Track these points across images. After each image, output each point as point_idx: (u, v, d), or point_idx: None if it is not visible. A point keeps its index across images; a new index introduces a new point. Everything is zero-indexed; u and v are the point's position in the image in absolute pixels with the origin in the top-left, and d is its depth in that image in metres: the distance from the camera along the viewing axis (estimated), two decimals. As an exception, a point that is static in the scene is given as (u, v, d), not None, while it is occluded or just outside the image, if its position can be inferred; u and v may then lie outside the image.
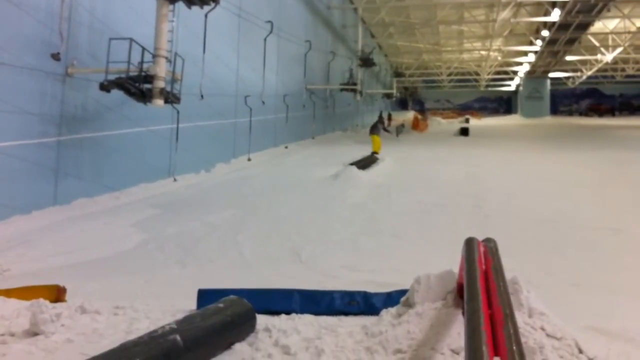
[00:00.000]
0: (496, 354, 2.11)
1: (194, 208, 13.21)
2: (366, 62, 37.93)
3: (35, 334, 4.69)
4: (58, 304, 5.51)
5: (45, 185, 11.97)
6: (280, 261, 9.08)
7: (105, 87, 12.10)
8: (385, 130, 26.63)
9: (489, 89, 77.56)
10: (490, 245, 4.25)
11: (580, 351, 3.86)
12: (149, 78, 12.45)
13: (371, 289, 5.97)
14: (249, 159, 22.21)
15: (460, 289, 4.24)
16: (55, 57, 11.74)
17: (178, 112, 15.96)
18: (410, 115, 58.28)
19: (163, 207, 13.25)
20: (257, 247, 9.96)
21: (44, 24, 11.63)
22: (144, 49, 12.41)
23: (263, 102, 23.60)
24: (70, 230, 10.83)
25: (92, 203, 12.97)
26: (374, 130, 25.90)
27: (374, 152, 23.82)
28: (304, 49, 29.95)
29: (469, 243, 4.15)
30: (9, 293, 5.99)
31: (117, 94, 12.65)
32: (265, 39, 23.54)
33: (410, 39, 50.49)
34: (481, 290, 2.95)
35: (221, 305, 4.67)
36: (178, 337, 3.86)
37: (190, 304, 5.65)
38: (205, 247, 10.15)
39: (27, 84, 11.30)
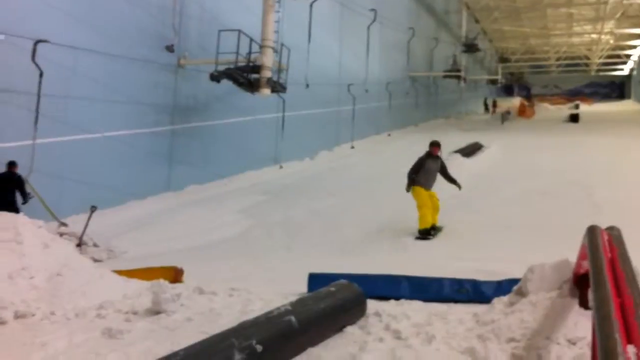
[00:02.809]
0: (629, 342, 2.04)
1: (299, 195, 13.45)
2: (470, 47, 37.17)
3: (157, 313, 4.94)
4: (177, 285, 5.79)
5: (160, 172, 12.57)
6: (383, 249, 9.12)
7: (215, 77, 12.51)
8: (452, 180, 10.77)
9: (600, 73, 73.92)
10: (615, 234, 4.07)
11: None
12: (257, 68, 12.76)
13: (478, 277, 5.87)
14: (352, 147, 22.31)
15: (576, 279, 4.10)
16: (170, 49, 12.26)
17: (284, 101, 16.26)
18: (516, 101, 56.49)
19: (269, 194, 13.58)
20: (360, 235, 10.05)
21: (156, 17, 12.16)
22: (251, 39, 12.72)
23: (366, 90, 23.61)
24: (182, 216, 11.32)
25: (202, 189, 13.48)
26: (418, 178, 10.55)
27: (424, 234, 9.70)
28: (406, 36, 29.67)
29: (592, 231, 3.98)
30: (130, 274, 6.33)
31: (224, 84, 13.06)
32: (368, 27, 23.51)
33: (516, 23, 48.87)
34: (609, 279, 2.85)
35: (332, 289, 4.74)
36: (293, 318, 3.96)
37: (299, 287, 5.78)
38: (309, 233, 10.36)
39: (141, 76, 11.89)
